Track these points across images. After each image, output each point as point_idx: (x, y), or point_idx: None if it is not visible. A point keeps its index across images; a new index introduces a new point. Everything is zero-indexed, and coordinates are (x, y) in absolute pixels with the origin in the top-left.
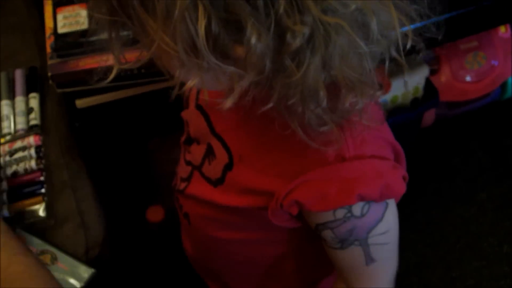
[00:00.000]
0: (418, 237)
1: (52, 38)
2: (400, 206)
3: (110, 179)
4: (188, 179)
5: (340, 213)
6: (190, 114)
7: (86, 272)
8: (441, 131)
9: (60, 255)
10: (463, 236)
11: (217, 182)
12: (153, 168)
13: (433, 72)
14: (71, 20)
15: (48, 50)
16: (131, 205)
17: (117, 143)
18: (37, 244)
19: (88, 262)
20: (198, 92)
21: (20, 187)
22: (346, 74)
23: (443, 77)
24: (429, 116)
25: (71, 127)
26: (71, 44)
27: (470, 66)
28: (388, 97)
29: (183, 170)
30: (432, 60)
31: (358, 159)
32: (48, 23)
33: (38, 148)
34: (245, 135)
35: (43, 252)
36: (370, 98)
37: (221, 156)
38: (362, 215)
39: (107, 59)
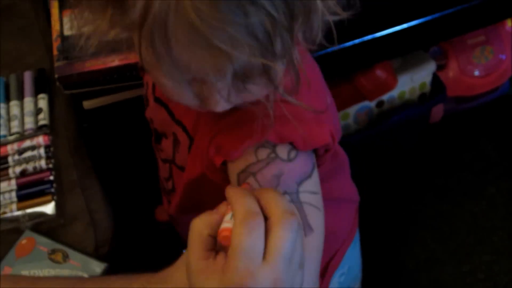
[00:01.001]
0: (428, 232)
1: (59, 40)
2: (409, 201)
3: (119, 179)
4: (171, 176)
5: (263, 152)
6: (151, 110)
7: (98, 267)
8: (450, 127)
9: (71, 252)
10: (473, 230)
11: (183, 167)
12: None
13: (440, 67)
14: None
15: (55, 52)
16: (140, 204)
17: (125, 143)
18: (47, 243)
19: (98, 260)
20: (153, 85)
21: (29, 186)
22: None
23: (451, 72)
24: (438, 112)
25: (79, 127)
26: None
27: (478, 60)
28: (395, 93)
29: (163, 170)
30: (439, 56)
31: (283, 102)
32: (55, 25)
33: (47, 148)
34: (198, 115)
35: (54, 251)
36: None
37: (184, 140)
38: (289, 160)
39: (113, 60)
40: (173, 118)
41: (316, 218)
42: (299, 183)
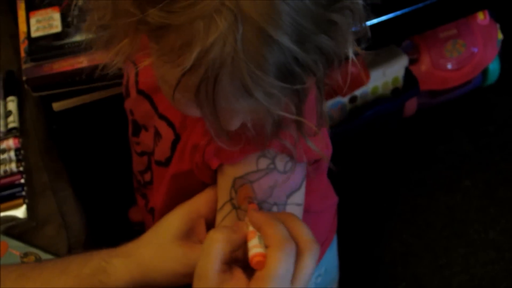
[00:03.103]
0: (404, 226)
1: (26, 42)
2: (384, 196)
3: (91, 180)
4: (149, 168)
5: (263, 162)
6: (132, 102)
7: None
8: (424, 120)
9: (44, 255)
10: (449, 224)
11: (167, 161)
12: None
13: (413, 61)
14: (44, 23)
15: (23, 54)
16: (113, 205)
17: (96, 144)
18: (19, 247)
19: None
20: (136, 78)
21: (0, 190)
22: None
23: (423, 66)
24: (411, 106)
25: (49, 129)
26: (44, 47)
27: (450, 54)
28: (368, 88)
29: (139, 163)
30: (411, 50)
31: None
32: (22, 27)
33: (17, 151)
34: None
35: (26, 254)
36: None
37: (167, 135)
38: (285, 172)
39: (82, 61)
40: (157, 112)
41: None
42: (289, 195)
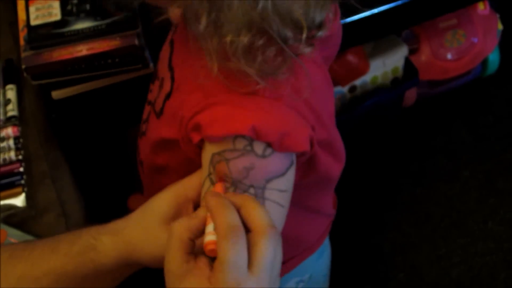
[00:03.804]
0: (403, 216)
1: (25, 30)
2: (384, 186)
3: (90, 168)
4: (147, 119)
5: (240, 143)
6: (163, 50)
7: None
8: (424, 110)
9: None
10: (448, 214)
11: (159, 113)
12: (133, 156)
13: (413, 51)
14: (44, 12)
15: (22, 42)
16: (112, 194)
17: (95, 132)
18: (19, 235)
19: None
20: (175, 28)
21: None
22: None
23: (423, 56)
24: (411, 96)
25: (49, 118)
26: (44, 35)
27: (450, 44)
28: (367, 77)
29: (145, 111)
30: (411, 40)
31: (268, 99)
32: (21, 15)
33: (16, 139)
34: (189, 67)
35: None
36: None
37: (166, 87)
38: (263, 156)
39: (81, 50)
40: (170, 63)
41: (277, 215)
42: (268, 180)
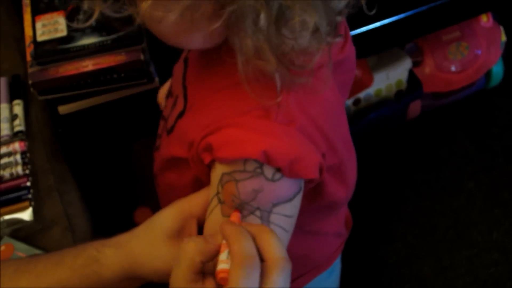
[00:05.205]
0: (408, 228)
1: (32, 46)
2: (389, 198)
3: (96, 182)
4: (161, 134)
5: (251, 165)
6: (177, 67)
7: None
8: (428, 122)
9: None
10: (453, 225)
11: (169, 130)
12: (139, 169)
13: (416, 64)
14: (50, 27)
15: (28, 58)
16: (118, 208)
17: (101, 147)
18: (26, 249)
19: None
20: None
21: (6, 193)
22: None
23: (427, 68)
24: (415, 108)
25: (55, 132)
26: (50, 51)
27: (454, 56)
28: (371, 90)
29: (160, 126)
30: (415, 52)
31: (281, 124)
32: (28, 31)
33: (23, 154)
34: (202, 86)
35: None
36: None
37: (180, 105)
38: (273, 180)
39: (87, 65)
40: (183, 82)
41: (280, 237)
42: (275, 204)
